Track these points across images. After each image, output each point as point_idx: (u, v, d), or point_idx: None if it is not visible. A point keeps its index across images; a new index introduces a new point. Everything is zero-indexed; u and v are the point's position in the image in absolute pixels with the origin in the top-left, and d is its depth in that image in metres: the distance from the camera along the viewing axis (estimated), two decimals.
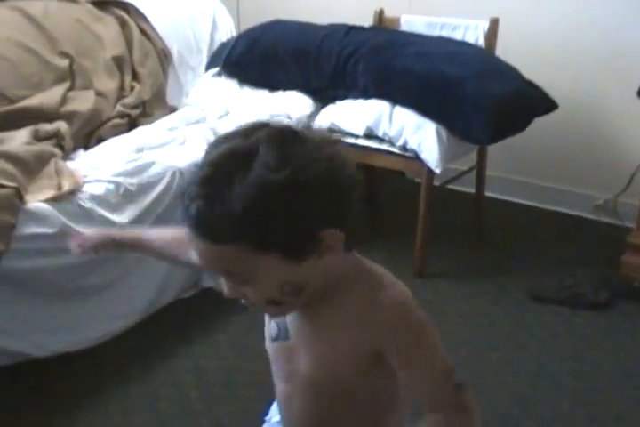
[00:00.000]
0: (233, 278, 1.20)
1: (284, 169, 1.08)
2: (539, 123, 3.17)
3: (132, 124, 3.12)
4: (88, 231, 1.72)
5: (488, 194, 3.57)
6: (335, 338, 1.28)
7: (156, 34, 3.48)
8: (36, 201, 2.40)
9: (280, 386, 1.42)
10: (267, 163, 1.08)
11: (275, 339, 1.37)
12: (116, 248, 1.66)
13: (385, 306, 1.23)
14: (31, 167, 2.56)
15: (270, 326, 1.38)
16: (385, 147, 3.06)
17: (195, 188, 1.10)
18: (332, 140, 1.19)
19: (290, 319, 1.33)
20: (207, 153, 1.15)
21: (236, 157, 1.10)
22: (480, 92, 2.91)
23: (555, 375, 2.57)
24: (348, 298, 1.25)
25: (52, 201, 2.42)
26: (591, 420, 2.37)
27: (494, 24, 3.22)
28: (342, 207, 1.16)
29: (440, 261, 3.27)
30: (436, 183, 3.13)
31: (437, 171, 2.95)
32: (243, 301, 1.24)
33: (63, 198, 2.45)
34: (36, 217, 2.36)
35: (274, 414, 1.56)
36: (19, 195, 2.36)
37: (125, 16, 3.44)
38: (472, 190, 3.52)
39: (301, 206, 1.10)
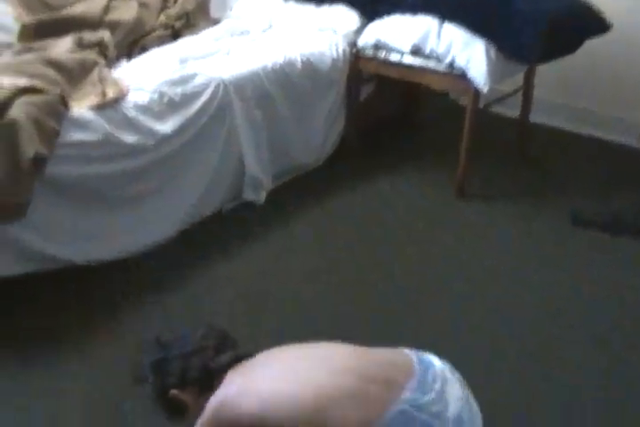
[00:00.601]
0: None
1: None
2: (590, 45, 3.09)
3: (176, 36, 3.08)
4: None
5: (532, 118, 3.50)
6: None
7: None
8: (81, 108, 2.39)
9: None
10: None
11: None
12: None
13: None
14: (74, 75, 2.55)
15: None
16: (431, 65, 2.99)
17: None
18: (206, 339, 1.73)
19: None
20: None
21: None
22: (531, 8, 2.83)
23: (594, 301, 2.55)
24: None
25: (97, 109, 2.41)
26: (631, 347, 2.35)
27: None
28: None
29: (481, 182, 3.23)
30: (480, 106, 3.07)
31: (484, 90, 2.89)
32: None
33: (107, 106, 2.44)
34: (80, 124, 2.36)
35: None
36: (63, 101, 2.35)
37: None
38: (516, 115, 3.46)
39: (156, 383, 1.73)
